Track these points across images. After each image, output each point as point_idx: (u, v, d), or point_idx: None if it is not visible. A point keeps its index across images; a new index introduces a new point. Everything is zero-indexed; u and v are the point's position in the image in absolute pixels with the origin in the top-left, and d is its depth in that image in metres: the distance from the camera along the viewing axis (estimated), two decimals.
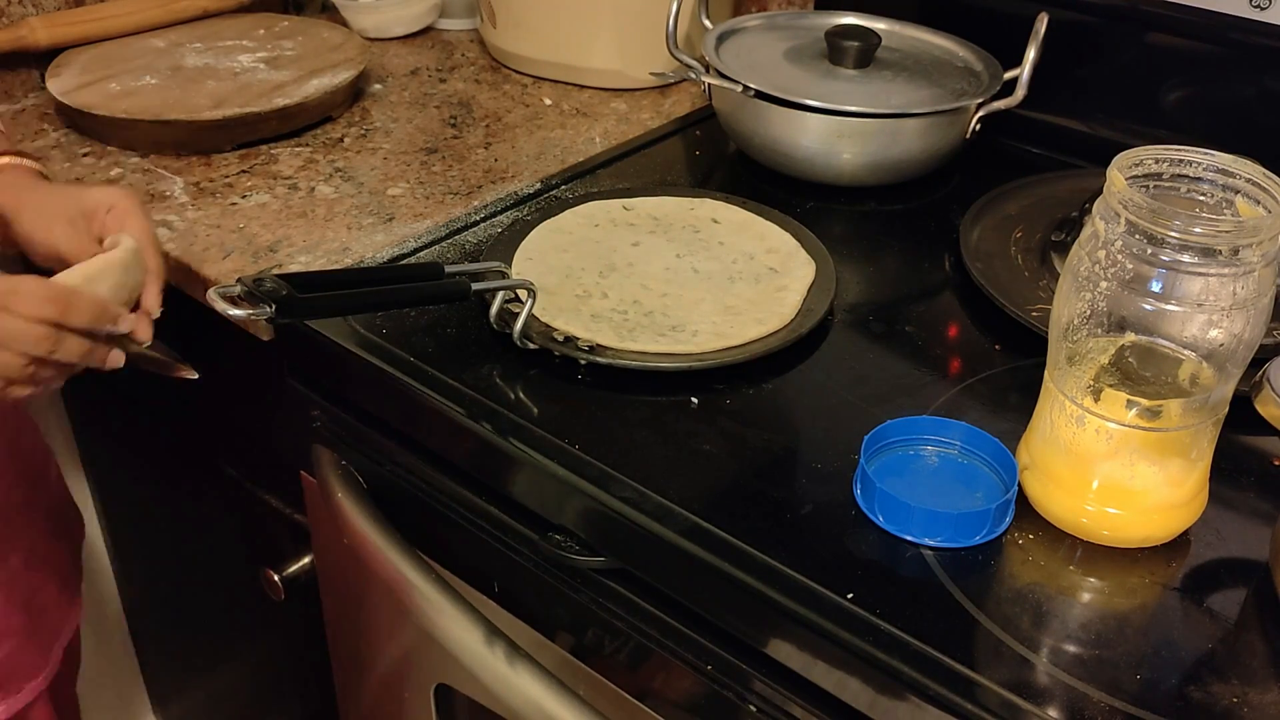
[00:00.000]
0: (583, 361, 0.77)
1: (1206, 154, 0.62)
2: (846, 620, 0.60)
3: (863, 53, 1.05)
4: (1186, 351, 0.61)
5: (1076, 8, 1.05)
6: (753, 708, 0.66)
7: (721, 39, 1.10)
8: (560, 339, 0.78)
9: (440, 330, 0.81)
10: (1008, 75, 1.03)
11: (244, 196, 0.99)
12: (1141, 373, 0.62)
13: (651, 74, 1.13)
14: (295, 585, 1.00)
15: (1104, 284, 0.60)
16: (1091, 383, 0.62)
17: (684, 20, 1.13)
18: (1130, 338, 0.61)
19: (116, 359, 0.76)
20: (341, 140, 1.09)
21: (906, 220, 1.00)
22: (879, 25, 1.11)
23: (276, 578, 0.99)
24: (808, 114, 0.98)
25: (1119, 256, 0.59)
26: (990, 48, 1.08)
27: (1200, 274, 0.57)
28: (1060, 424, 0.64)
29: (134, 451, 1.23)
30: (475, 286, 0.77)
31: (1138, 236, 0.58)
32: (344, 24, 1.31)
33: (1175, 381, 0.61)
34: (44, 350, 0.71)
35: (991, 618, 0.60)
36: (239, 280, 0.70)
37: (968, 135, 1.03)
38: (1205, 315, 0.58)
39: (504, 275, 0.81)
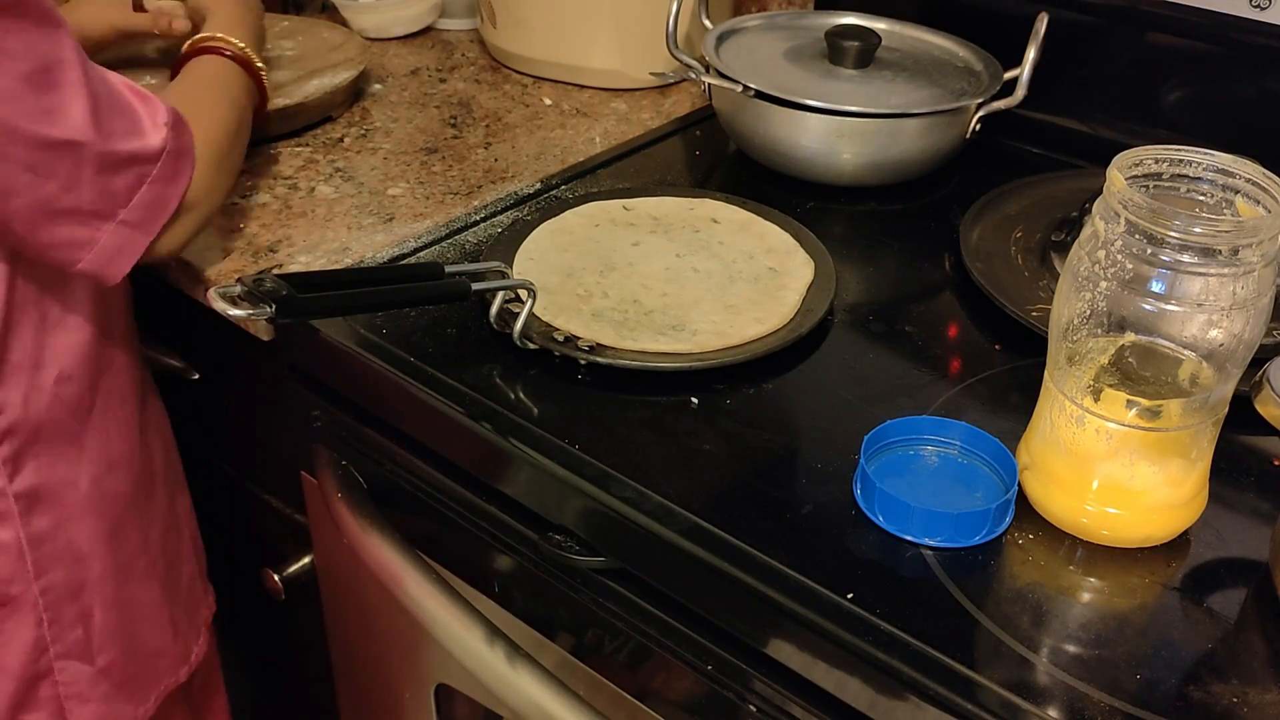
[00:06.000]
0: (583, 361, 0.77)
1: (1206, 154, 0.62)
2: (846, 620, 0.60)
3: (863, 53, 1.05)
4: (1186, 351, 0.61)
5: (1076, 8, 1.05)
6: (753, 708, 0.66)
7: (721, 39, 1.10)
8: (561, 338, 0.78)
9: (440, 330, 0.81)
10: (1008, 75, 1.03)
11: (244, 196, 0.99)
12: (1141, 373, 0.62)
13: (651, 74, 1.13)
14: (295, 585, 1.00)
15: (1104, 284, 0.60)
16: (1091, 383, 0.62)
17: (684, 20, 1.13)
18: (1130, 338, 0.61)
19: None
20: (341, 140, 1.09)
21: (906, 220, 1.00)
22: (879, 25, 1.11)
23: (276, 578, 0.99)
24: (808, 114, 0.98)
25: (1119, 256, 0.59)
26: (990, 48, 1.08)
27: (1200, 274, 0.57)
28: (1060, 424, 0.64)
29: None
30: (475, 286, 0.77)
31: (1138, 236, 0.58)
32: (344, 24, 1.31)
33: (1175, 381, 0.61)
34: None
35: (991, 618, 0.60)
36: (239, 280, 0.70)
37: (968, 135, 1.03)
38: (1205, 315, 0.58)
39: (504, 275, 0.81)
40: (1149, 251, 0.58)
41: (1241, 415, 0.63)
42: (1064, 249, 0.84)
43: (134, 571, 0.90)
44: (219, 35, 0.92)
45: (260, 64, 0.94)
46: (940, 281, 0.91)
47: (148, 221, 0.76)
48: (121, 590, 0.89)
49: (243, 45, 0.92)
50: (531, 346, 0.78)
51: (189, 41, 0.92)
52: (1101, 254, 0.59)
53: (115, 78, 0.75)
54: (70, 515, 0.84)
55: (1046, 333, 0.65)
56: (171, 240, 0.79)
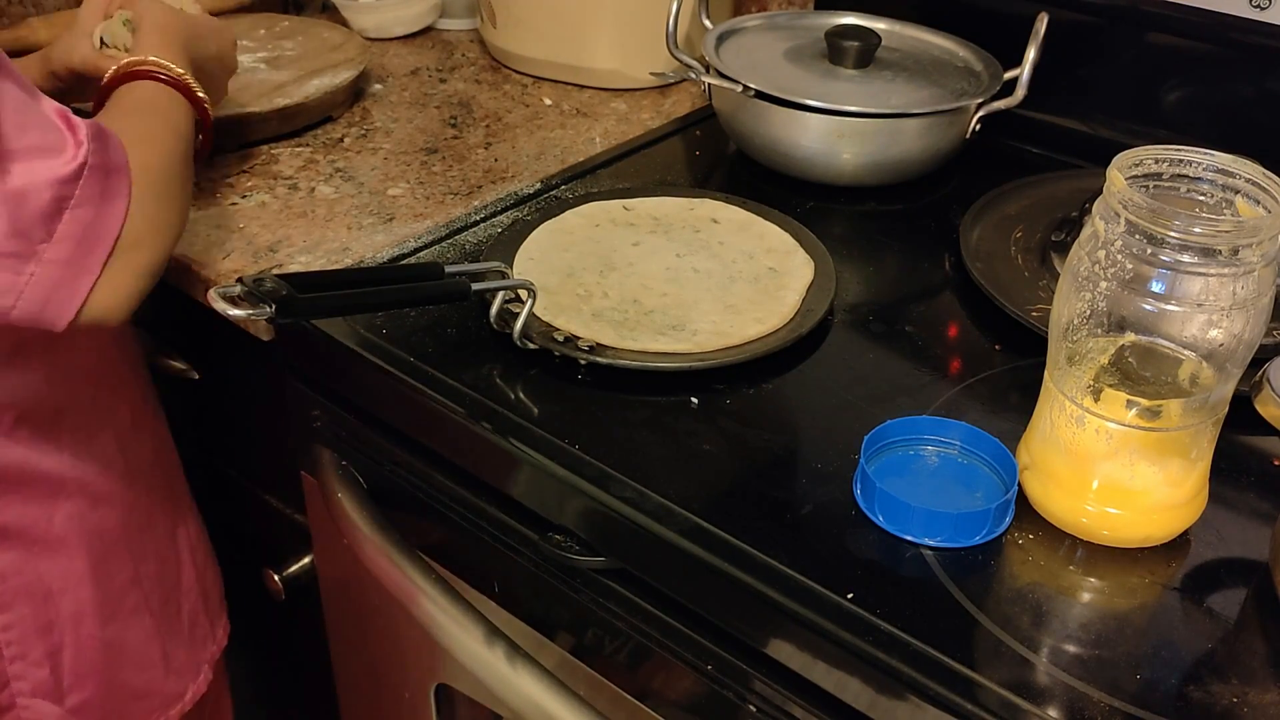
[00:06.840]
0: (583, 361, 0.77)
1: (1206, 154, 0.62)
2: (846, 620, 0.60)
3: (863, 53, 1.05)
4: (1186, 351, 0.61)
5: (1076, 8, 1.05)
6: (753, 708, 0.66)
7: (721, 39, 1.10)
8: (561, 338, 0.78)
9: (440, 330, 0.81)
10: (1008, 75, 1.03)
11: (244, 196, 0.99)
12: (1141, 373, 0.62)
13: (651, 74, 1.13)
14: (295, 585, 1.00)
15: (1104, 284, 0.60)
16: (1091, 383, 0.62)
17: (684, 20, 1.13)
18: (1130, 338, 0.61)
19: None
20: (341, 140, 1.09)
21: (906, 220, 1.00)
22: (879, 25, 1.11)
23: (276, 578, 0.99)
24: (808, 114, 0.98)
25: (1119, 256, 0.59)
26: (990, 48, 1.08)
27: (1200, 274, 0.57)
28: (1060, 424, 0.64)
29: None
30: (475, 286, 0.77)
31: (1138, 236, 0.58)
32: (344, 24, 1.31)
33: (1175, 381, 0.61)
34: None
35: (991, 618, 0.60)
36: (239, 280, 0.70)
37: (968, 135, 1.03)
38: (1205, 315, 0.58)
39: (504, 275, 0.81)
40: (1149, 251, 0.58)
41: (1241, 415, 0.63)
42: (1064, 249, 0.84)
43: (121, 608, 0.87)
44: (152, 59, 0.81)
45: (201, 91, 0.83)
46: (940, 281, 0.91)
47: (82, 256, 0.65)
48: (103, 627, 0.86)
49: (180, 71, 0.82)
50: (531, 346, 0.78)
51: (116, 66, 0.81)
52: (1101, 254, 0.59)
53: (46, 101, 0.66)
54: (40, 552, 0.81)
55: (1046, 333, 0.65)
56: (115, 290, 0.67)
